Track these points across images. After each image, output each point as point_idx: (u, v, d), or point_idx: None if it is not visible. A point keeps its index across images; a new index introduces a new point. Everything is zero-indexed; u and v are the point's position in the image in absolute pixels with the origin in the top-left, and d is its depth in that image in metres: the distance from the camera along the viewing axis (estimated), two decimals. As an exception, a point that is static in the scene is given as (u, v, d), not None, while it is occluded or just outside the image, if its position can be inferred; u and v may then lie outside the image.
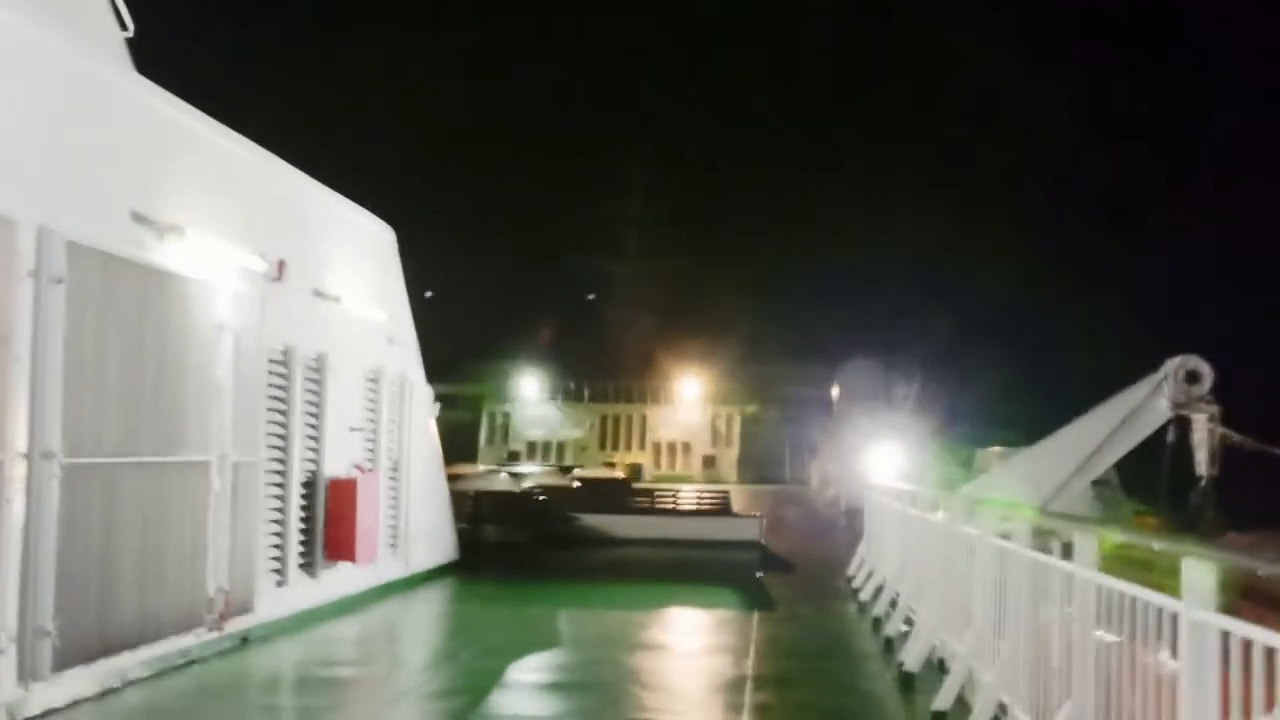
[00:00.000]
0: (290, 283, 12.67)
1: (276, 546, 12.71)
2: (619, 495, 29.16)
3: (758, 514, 25.72)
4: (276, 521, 12.71)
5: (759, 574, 19.56)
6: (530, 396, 77.90)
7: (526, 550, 22.35)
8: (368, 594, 14.92)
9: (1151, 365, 15.73)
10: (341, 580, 14.15)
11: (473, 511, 23.03)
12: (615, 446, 75.64)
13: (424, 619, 15.22)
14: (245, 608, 11.70)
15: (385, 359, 15.80)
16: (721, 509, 25.94)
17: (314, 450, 13.62)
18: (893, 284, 61.93)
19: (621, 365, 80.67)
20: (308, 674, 11.27)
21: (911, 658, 10.60)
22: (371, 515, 14.34)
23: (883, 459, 21.06)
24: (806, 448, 62.74)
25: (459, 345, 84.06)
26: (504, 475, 29.15)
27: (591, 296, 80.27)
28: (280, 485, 12.78)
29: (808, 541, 26.92)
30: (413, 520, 16.74)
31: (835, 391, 59.98)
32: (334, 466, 13.95)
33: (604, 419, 76.83)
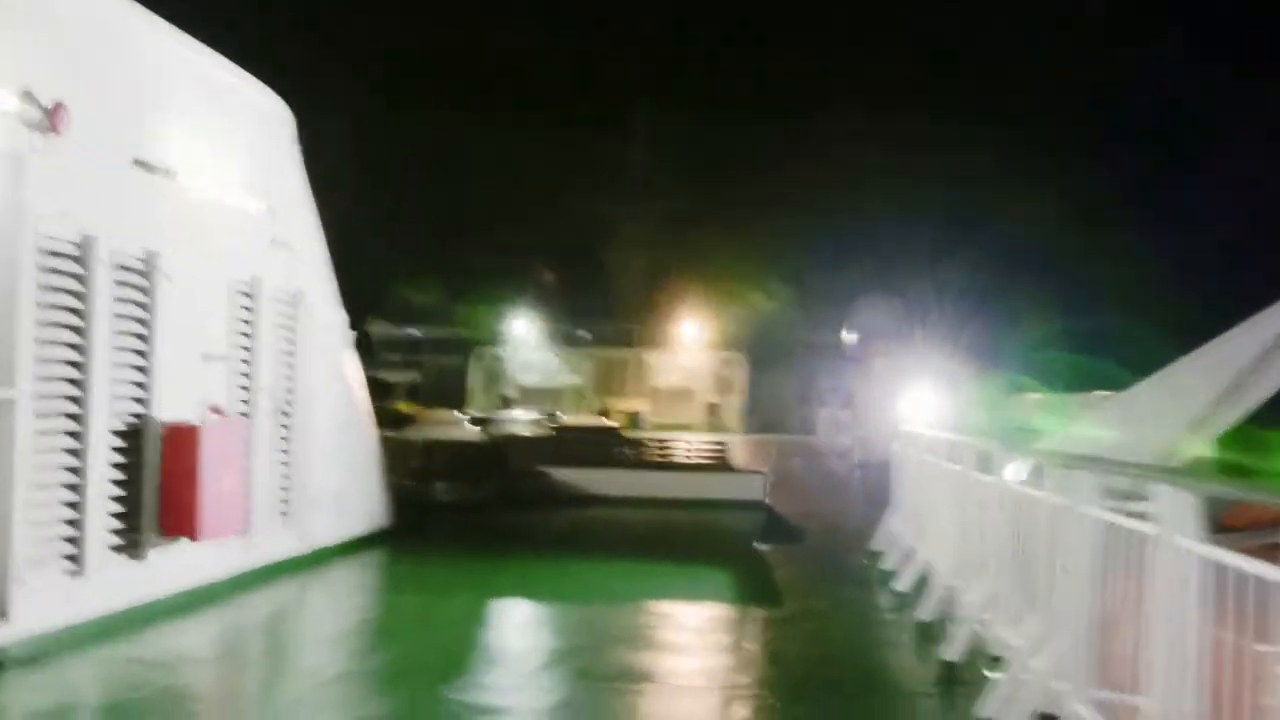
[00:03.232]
0: (82, 142, 8.73)
1: (68, 522, 8.88)
2: (605, 446, 25.30)
3: (761, 469, 21.85)
4: (67, 486, 8.87)
5: (762, 546, 15.74)
6: (524, 340, 74.06)
7: (485, 513, 18.54)
8: (238, 580, 11.12)
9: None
10: (191, 564, 10.34)
11: (422, 465, 19.19)
12: (614, 393, 71.87)
13: (306, 617, 11.35)
14: (-12, 616, 7.92)
15: (266, 268, 11.88)
16: (719, 463, 22.08)
17: (139, 385, 9.76)
18: (916, 219, 57.12)
19: (621, 308, 76.70)
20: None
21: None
22: (231, 474, 10.48)
23: (918, 406, 17.31)
24: (816, 395, 58.88)
25: (449, 286, 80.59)
26: (465, 423, 25.32)
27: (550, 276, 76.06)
28: (73, 434, 8.92)
29: (819, 501, 23.10)
30: (314, 480, 12.90)
31: (848, 334, 55.92)
32: (174, 408, 10.09)
33: (602, 364, 73.01)
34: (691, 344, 71.76)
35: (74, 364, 8.90)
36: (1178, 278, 48.93)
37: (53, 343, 8.65)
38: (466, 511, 18.45)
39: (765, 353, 68.28)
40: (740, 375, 70.61)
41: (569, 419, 33.84)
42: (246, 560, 11.41)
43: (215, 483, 10.07)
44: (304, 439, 12.70)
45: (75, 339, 8.90)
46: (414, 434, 20.87)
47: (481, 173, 78.57)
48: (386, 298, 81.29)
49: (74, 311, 8.89)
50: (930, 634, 9.61)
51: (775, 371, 66.60)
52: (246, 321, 11.59)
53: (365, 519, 14.63)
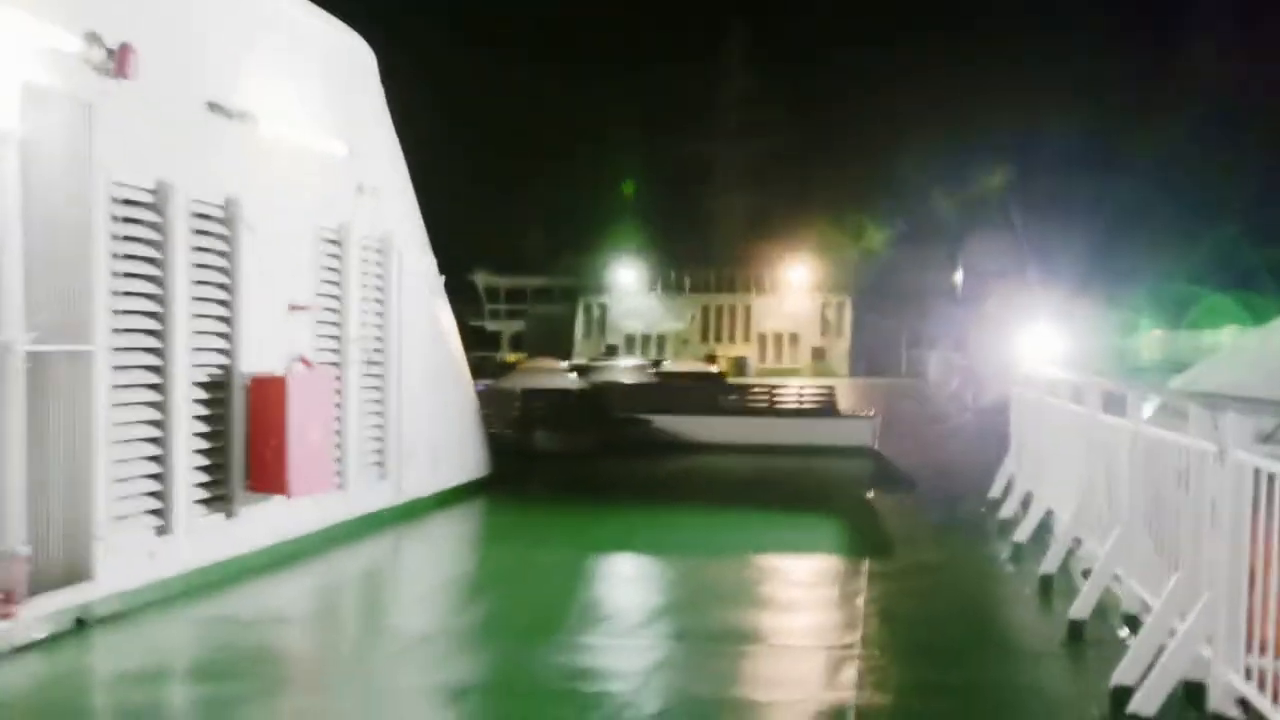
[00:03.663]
0: (153, 86, 8.42)
1: (153, 478, 8.68)
2: (708, 393, 24.82)
3: (869, 414, 21.17)
4: (150, 441, 8.66)
5: (869, 494, 15.14)
6: (627, 287, 73.75)
7: (585, 461, 18.23)
8: (331, 533, 10.92)
9: None
10: (282, 518, 10.13)
11: (521, 414, 18.91)
12: (719, 339, 71.31)
13: (399, 571, 11.05)
14: (74, 576, 7.73)
15: (353, 214, 11.54)
16: (826, 408, 21.43)
17: (223, 337, 9.51)
18: (1032, 149, 54.86)
19: (725, 252, 75.90)
20: (135, 688, 7.19)
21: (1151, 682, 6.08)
22: (320, 427, 10.20)
23: (1037, 345, 16.36)
24: (926, 337, 57.53)
25: (552, 235, 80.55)
26: (565, 371, 24.98)
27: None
28: (155, 388, 8.69)
29: (930, 447, 22.34)
30: (408, 431, 12.63)
31: (959, 274, 54.46)
32: (260, 360, 9.83)
33: (706, 310, 72.41)
34: (797, 287, 70.74)
35: (153, 315, 8.65)
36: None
37: (131, 294, 8.40)
38: (566, 460, 18.15)
39: (873, 295, 66.99)
40: (847, 318, 69.47)
41: (671, 365, 33.48)
42: (340, 513, 11.20)
43: (303, 436, 9.80)
44: (396, 389, 12.42)
45: (154, 290, 8.65)
46: (512, 382, 20.60)
47: (581, 118, 78.09)
48: (491, 247, 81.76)
49: (152, 261, 8.64)
50: (1054, 589, 8.98)
51: (883, 314, 65.31)
52: (333, 270, 11.28)
53: (462, 469, 14.36)
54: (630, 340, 70.61)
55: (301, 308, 10.52)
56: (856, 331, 68.14)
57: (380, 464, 12.22)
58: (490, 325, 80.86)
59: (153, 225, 8.62)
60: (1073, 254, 43.19)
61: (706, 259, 74.88)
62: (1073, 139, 54.84)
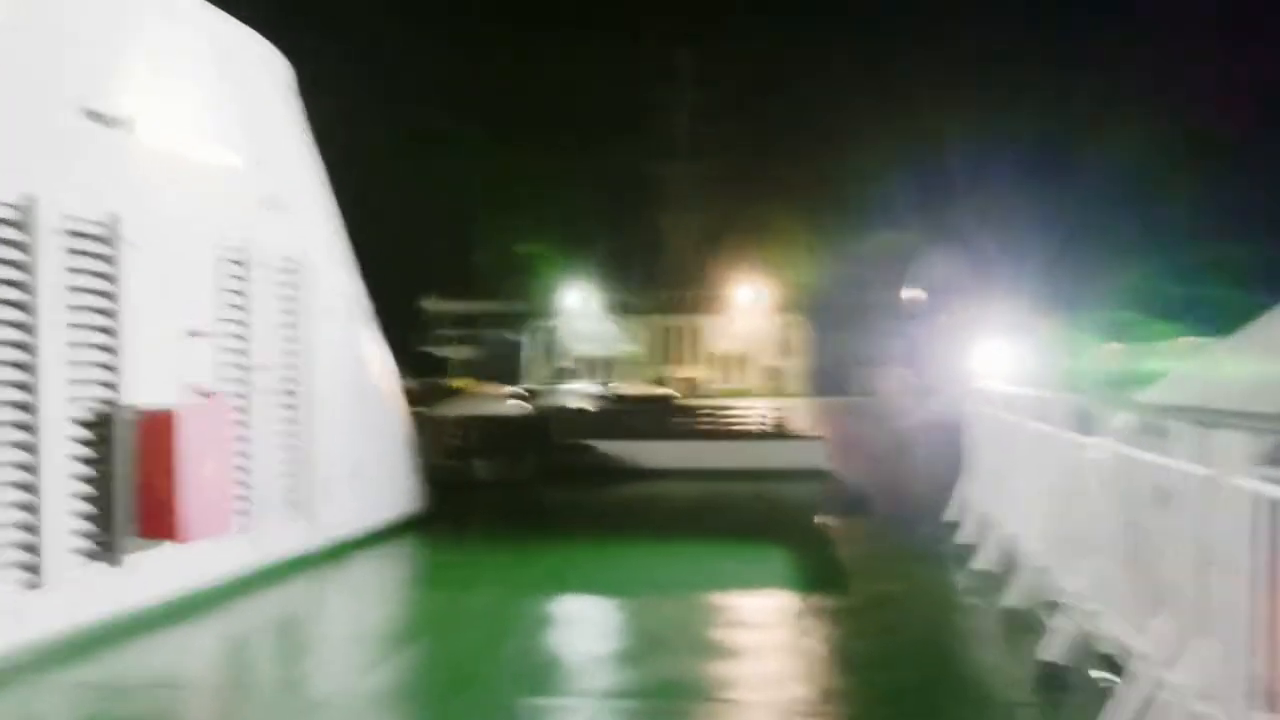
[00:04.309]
0: (10, 86, 7.53)
1: (21, 526, 7.74)
2: (657, 416, 24.06)
3: (822, 434, 20.46)
4: (16, 485, 7.72)
5: (822, 519, 14.38)
6: (578, 310, 72.92)
7: (527, 491, 17.35)
8: (239, 582, 9.97)
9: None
10: (176, 567, 9.19)
11: (460, 443, 18.01)
12: (669, 360, 70.60)
13: (313, 623, 10.04)
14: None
15: (259, 231, 10.65)
16: (776, 430, 20.70)
17: (105, 368, 8.58)
18: (980, 165, 54.65)
19: (676, 273, 75.26)
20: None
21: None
22: (218, 463, 9.28)
23: (991, 360, 15.77)
24: (879, 354, 57.13)
25: (501, 258, 79.51)
26: (509, 397, 24.11)
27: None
28: (21, 425, 7.76)
29: (885, 465, 21.64)
30: (325, 465, 11.72)
31: (909, 291, 54.10)
32: (150, 391, 8.91)
33: (656, 331, 71.72)
34: (749, 307, 70.25)
35: (17, 345, 7.73)
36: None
37: (-13, 322, 7.49)
38: (507, 490, 17.27)
39: (826, 314, 66.57)
40: (800, 337, 69.01)
41: (621, 389, 32.71)
42: (248, 559, 10.26)
43: (197, 474, 8.89)
44: (312, 419, 11.51)
45: (18, 316, 7.73)
46: (450, 410, 19.70)
47: (528, 139, 77.26)
48: (441, 273, 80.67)
49: (14, 284, 7.72)
50: (1021, 625, 8.24)
51: (837, 332, 64.88)
52: (237, 291, 10.39)
53: (390, 504, 13.44)
54: (581, 364, 69.76)
55: (201, 334, 9.61)
56: (810, 350, 67.71)
57: (295, 503, 11.30)
58: (440, 351, 79.75)
59: (15, 244, 7.71)
60: (1025, 269, 42.92)
61: (657, 280, 74.29)
62: (1027, 153, 54.78)
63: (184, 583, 9.28)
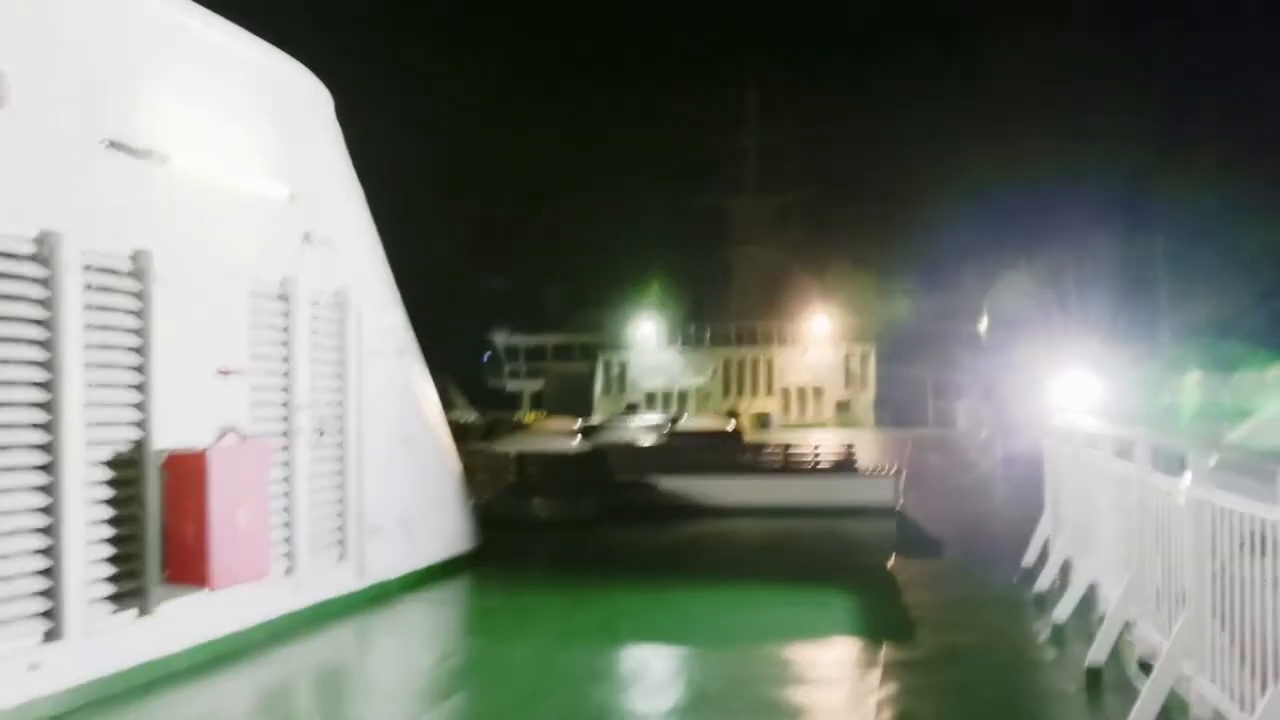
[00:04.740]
0: (31, 117, 7.28)
1: (43, 573, 7.42)
2: (722, 451, 23.45)
3: (892, 471, 19.75)
4: (40, 531, 7.41)
5: (891, 561, 13.71)
6: (647, 343, 72.56)
7: (585, 530, 16.87)
8: (277, 626, 9.61)
9: None
10: (211, 615, 8.84)
11: (516, 480, 17.61)
12: (741, 393, 69.90)
13: (354, 671, 9.61)
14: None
15: (300, 267, 10.34)
16: (845, 466, 20.02)
17: (134, 408, 8.28)
18: (1059, 195, 53.25)
19: (745, 305, 74.70)
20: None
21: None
22: (252, 507, 8.91)
23: (1072, 392, 15.01)
24: (953, 387, 55.97)
25: (572, 291, 79.55)
26: (571, 431, 23.63)
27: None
28: (43, 467, 7.46)
29: (958, 503, 20.87)
30: (371, 506, 11.34)
31: (984, 322, 52.92)
32: (181, 432, 8.59)
33: (727, 364, 71.07)
34: (820, 339, 69.40)
35: (39, 385, 7.44)
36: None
37: (7, 361, 7.20)
38: (564, 529, 16.80)
39: (897, 345, 65.52)
40: (871, 369, 67.97)
41: (686, 423, 32.12)
42: (288, 604, 9.90)
43: (229, 518, 8.53)
44: (356, 460, 11.15)
45: (39, 355, 7.44)
46: (508, 446, 19.32)
47: (598, 173, 77.34)
48: (513, 306, 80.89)
49: (37, 323, 7.44)
50: (1105, 684, 7.57)
51: (908, 364, 63.76)
52: (277, 329, 10.07)
53: (440, 545, 13.03)
54: (651, 397, 69.32)
55: (230, 371, 9.28)
56: (881, 382, 66.66)
57: (339, 544, 10.94)
58: (510, 385, 79.84)
59: (37, 280, 7.43)
60: (1101, 301, 41.77)
61: (727, 312, 73.75)
62: (1100, 186, 53.49)
63: (219, 629, 8.92)
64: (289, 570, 10.01)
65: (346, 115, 11.62)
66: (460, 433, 31.84)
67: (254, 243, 9.77)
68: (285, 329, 10.15)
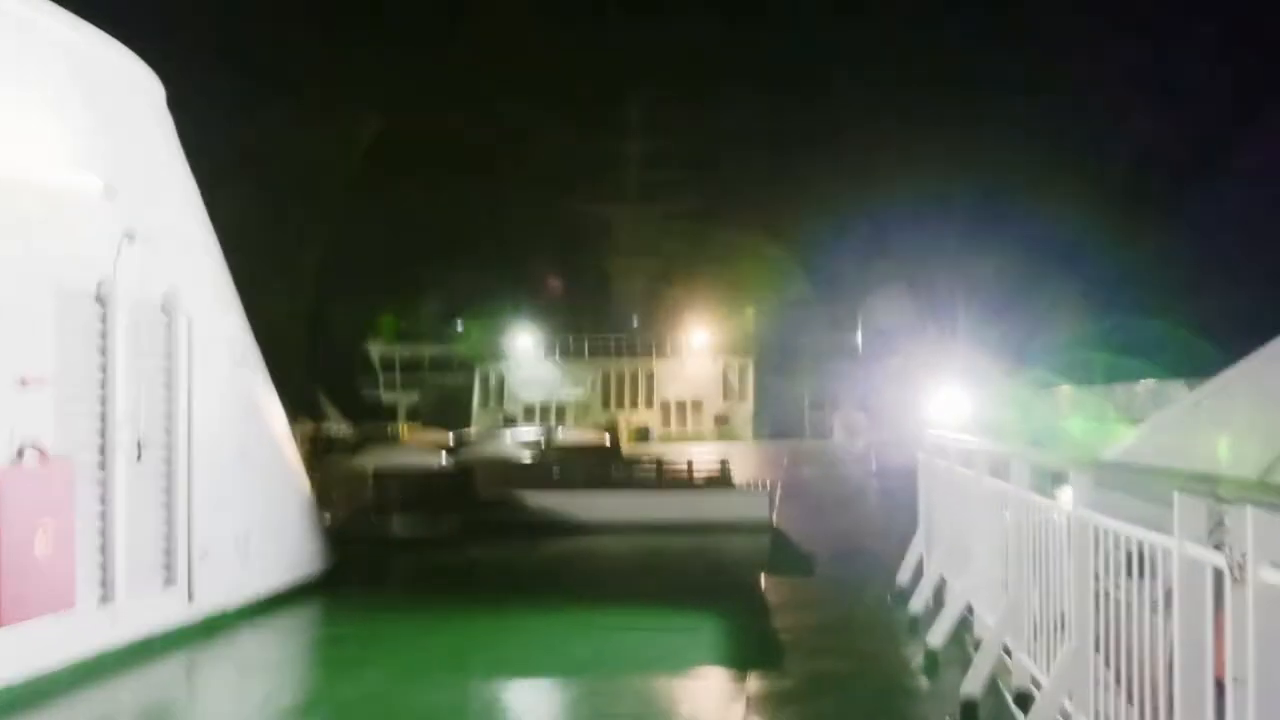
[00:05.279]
0: None
1: None
2: (595, 466, 22.81)
3: (766, 486, 19.34)
4: None
5: (762, 581, 13.22)
6: (526, 354, 71.60)
7: (446, 549, 16.05)
8: (88, 665, 8.65)
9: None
10: (8, 652, 7.87)
11: (375, 497, 16.72)
12: (620, 405, 69.34)
13: (171, 712, 8.73)
14: None
15: (119, 268, 9.40)
16: (719, 481, 19.55)
17: (-91, 423, 7.30)
18: (933, 210, 53.83)
19: (625, 317, 74.27)
20: None
21: None
22: (52, 532, 7.98)
23: (945, 407, 14.75)
24: (828, 398, 56.29)
25: (447, 301, 78.19)
26: (433, 449, 22.74)
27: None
28: None
29: (833, 515, 20.56)
30: (203, 527, 10.41)
31: (859, 333, 53.33)
32: (-31, 451, 7.62)
33: (606, 376, 70.48)
34: (699, 351, 69.28)
35: None
36: (1206, 275, 46.25)
37: None
38: (425, 549, 15.96)
39: (775, 356, 65.76)
40: (750, 381, 68.06)
41: (561, 436, 31.46)
42: (106, 637, 8.95)
43: (24, 545, 7.60)
44: (186, 477, 10.22)
45: None
46: (365, 462, 18.41)
47: (474, 179, 76.12)
48: (386, 316, 79.15)
49: None
50: (981, 718, 7.09)
51: (786, 376, 64.00)
52: (93, 334, 9.13)
53: (286, 568, 12.13)
54: (530, 409, 68.41)
55: (30, 382, 8.32)
56: (759, 394, 66.78)
57: (165, 569, 10.00)
58: (386, 396, 78.13)
59: None
60: (976, 313, 42.32)
61: (606, 323, 73.24)
62: (977, 197, 54.31)
63: (15, 672, 7.95)
64: (104, 599, 9.06)
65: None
66: (329, 446, 30.78)
67: (61, 240, 8.82)
68: (102, 335, 9.21)
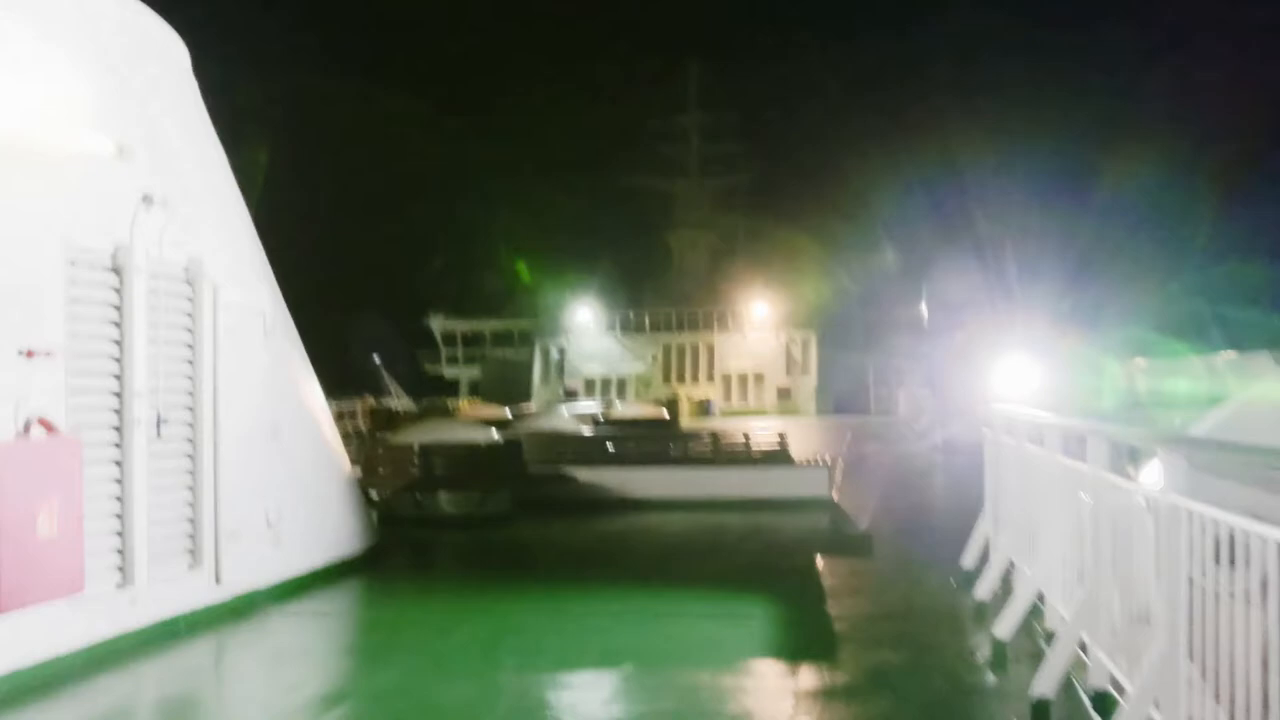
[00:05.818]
0: None
1: None
2: (651, 440, 22.24)
3: (826, 462, 18.63)
4: None
5: (820, 564, 12.58)
6: (586, 329, 71.16)
7: (494, 527, 15.58)
8: (107, 649, 8.25)
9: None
10: (19, 637, 7.48)
11: (421, 474, 16.27)
12: (681, 380, 68.75)
13: (197, 703, 8.30)
14: None
15: (139, 234, 8.94)
16: (778, 457, 18.88)
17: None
18: (1000, 178, 52.40)
19: (686, 290, 73.53)
20: None
21: None
22: (58, 512, 7.55)
23: (1013, 380, 13.95)
24: (894, 373, 55.20)
25: (509, 277, 78.01)
26: (486, 423, 22.25)
27: None
28: None
29: (896, 493, 19.83)
30: (229, 505, 9.98)
31: (924, 307, 52.11)
32: (-29, 427, 7.21)
33: (668, 350, 69.87)
34: (761, 325, 68.41)
35: None
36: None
37: None
38: (472, 527, 15.50)
39: (839, 330, 64.74)
40: (813, 355, 67.09)
41: (618, 410, 30.89)
42: (124, 621, 8.54)
43: (24, 527, 7.17)
44: (212, 453, 9.78)
45: None
46: (411, 437, 17.97)
47: (538, 156, 75.75)
48: (449, 291, 79.15)
49: None
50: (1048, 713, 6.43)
51: (850, 350, 62.97)
52: (108, 304, 8.69)
53: (322, 548, 11.69)
54: (591, 384, 68.04)
55: (39, 353, 7.89)
56: (823, 368, 65.82)
57: (190, 551, 9.58)
58: (448, 371, 78.24)
59: None
60: (1045, 285, 41.03)
61: (668, 297, 72.57)
62: (1044, 166, 52.76)
63: (25, 658, 7.55)
64: (122, 583, 8.65)
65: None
66: (390, 420, 30.50)
67: (72, 204, 8.37)
68: (118, 305, 8.77)
